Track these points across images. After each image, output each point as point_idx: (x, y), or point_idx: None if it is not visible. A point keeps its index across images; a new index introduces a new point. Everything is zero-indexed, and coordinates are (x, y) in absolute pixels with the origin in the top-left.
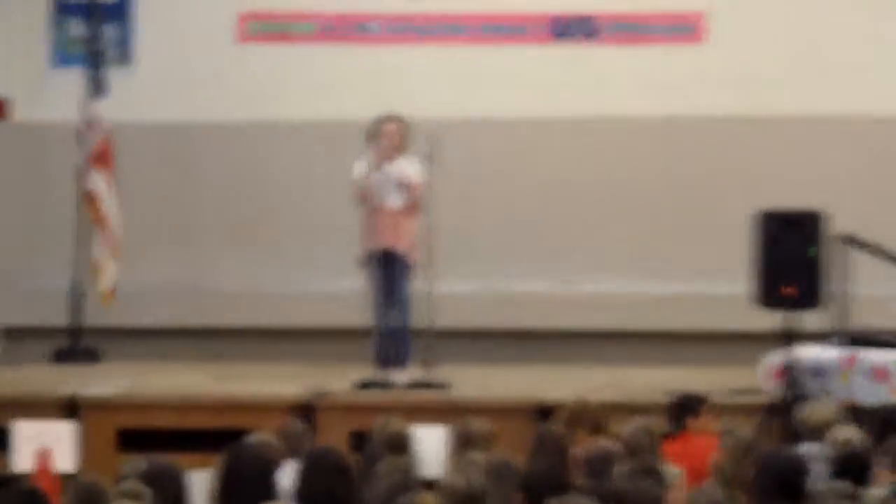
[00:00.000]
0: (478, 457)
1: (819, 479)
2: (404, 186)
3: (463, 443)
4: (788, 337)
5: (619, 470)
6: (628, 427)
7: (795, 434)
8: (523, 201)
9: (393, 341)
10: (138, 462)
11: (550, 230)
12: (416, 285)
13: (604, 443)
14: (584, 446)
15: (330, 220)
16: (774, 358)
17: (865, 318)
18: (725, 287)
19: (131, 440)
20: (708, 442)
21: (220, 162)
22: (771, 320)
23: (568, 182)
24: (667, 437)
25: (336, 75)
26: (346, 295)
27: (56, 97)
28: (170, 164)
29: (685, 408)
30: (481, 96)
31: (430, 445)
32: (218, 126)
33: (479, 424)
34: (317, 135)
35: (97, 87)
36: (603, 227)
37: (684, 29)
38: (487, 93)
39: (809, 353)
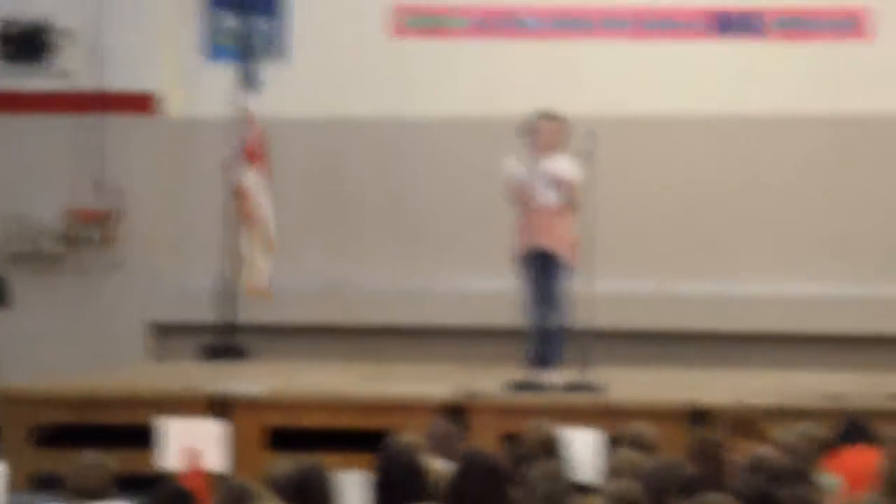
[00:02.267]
0: (639, 459)
1: None
2: (560, 184)
3: (626, 445)
4: None
5: (776, 476)
6: (788, 433)
7: None
8: (684, 201)
9: (547, 342)
10: (286, 462)
11: (713, 230)
12: (574, 285)
13: (763, 449)
14: (742, 452)
15: (483, 217)
16: None
17: None
18: (892, 289)
19: (280, 440)
20: (872, 452)
21: (372, 158)
22: None
23: (730, 181)
24: (829, 446)
25: (491, 71)
26: (498, 294)
27: (208, 92)
28: (322, 160)
29: (851, 436)
30: (641, 94)
31: (583, 449)
32: (371, 122)
33: (643, 427)
34: (470, 131)
35: (250, 82)
36: (767, 227)
37: (850, 24)
38: (648, 90)
39: None
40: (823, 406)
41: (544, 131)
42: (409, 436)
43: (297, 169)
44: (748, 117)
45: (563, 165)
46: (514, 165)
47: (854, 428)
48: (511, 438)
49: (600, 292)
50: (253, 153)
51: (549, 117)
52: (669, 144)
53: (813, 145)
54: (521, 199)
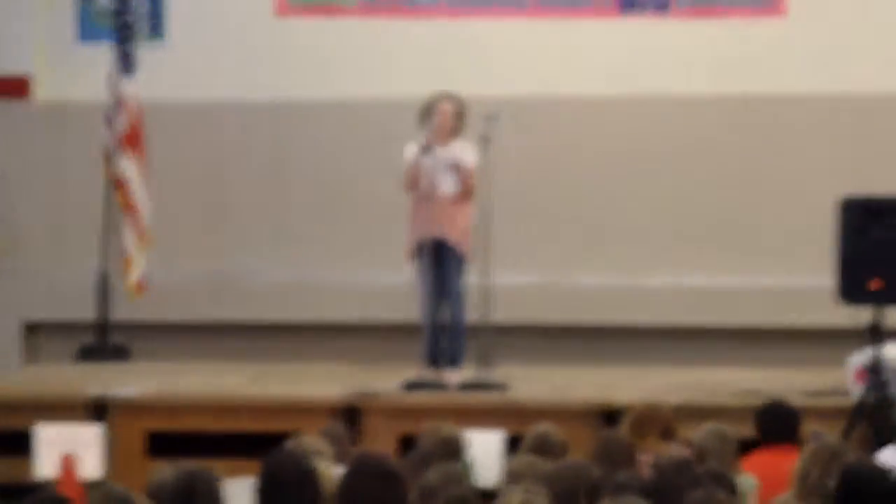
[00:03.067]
0: (541, 462)
1: None
2: (458, 171)
3: (531, 449)
4: (875, 334)
5: (689, 478)
6: (700, 432)
7: (882, 440)
8: (587, 187)
9: (445, 338)
10: (168, 469)
11: (616, 218)
12: (471, 278)
13: (674, 449)
14: (652, 452)
15: (377, 207)
16: (859, 357)
17: None
18: (807, 280)
19: (162, 445)
20: (789, 451)
21: (258, 145)
22: (857, 316)
23: (635, 167)
24: (746, 444)
25: (383, 52)
26: (393, 288)
27: (82, 74)
28: (204, 147)
29: (777, 421)
30: (542, 74)
31: (486, 451)
32: (256, 106)
33: (549, 428)
34: (362, 115)
35: (126, 64)
36: (674, 214)
37: (762, 1)
38: (549, 70)
39: None
40: (738, 403)
41: (442, 114)
42: (302, 439)
43: (177, 156)
44: (653, 98)
45: (461, 151)
46: (410, 151)
47: (776, 424)
48: (408, 441)
49: (499, 285)
50: (130, 140)
51: (446, 99)
52: (571, 128)
53: (719, 127)
54: (418, 186)
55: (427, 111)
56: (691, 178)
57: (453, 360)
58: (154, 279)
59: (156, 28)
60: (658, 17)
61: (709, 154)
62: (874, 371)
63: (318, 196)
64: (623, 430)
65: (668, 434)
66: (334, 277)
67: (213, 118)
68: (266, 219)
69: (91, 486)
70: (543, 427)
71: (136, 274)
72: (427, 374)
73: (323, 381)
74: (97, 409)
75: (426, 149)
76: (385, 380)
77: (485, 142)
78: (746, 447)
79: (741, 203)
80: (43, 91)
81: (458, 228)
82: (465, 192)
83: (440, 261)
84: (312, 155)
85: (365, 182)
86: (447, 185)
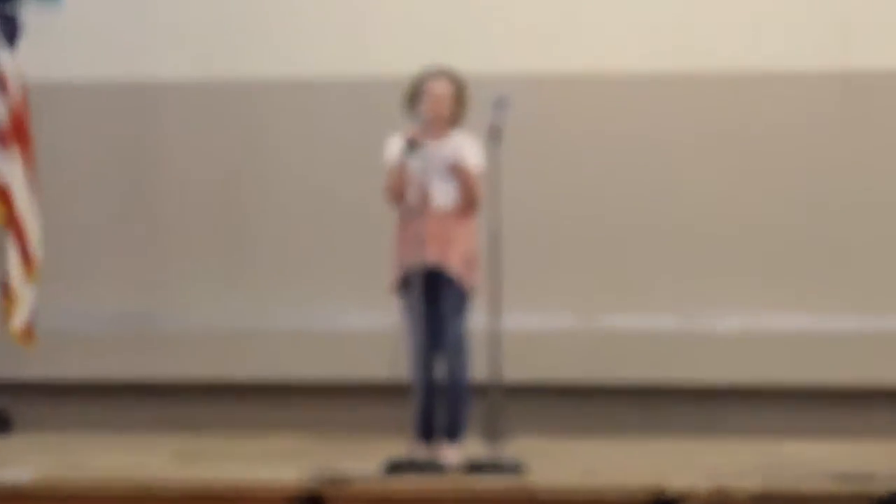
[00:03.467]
0: None
1: None
2: (457, 175)
3: None
4: None
5: None
6: None
7: None
8: (628, 194)
9: (440, 402)
10: None
11: (667, 236)
12: (475, 320)
13: None
14: None
15: (346, 225)
16: None
17: None
18: None
19: None
20: None
21: (189, 138)
22: None
23: (694, 163)
24: None
25: (357, 16)
26: (371, 335)
27: None
28: (115, 140)
29: None
30: (564, 45)
31: None
32: (185, 87)
33: None
34: (331, 100)
35: (8, 33)
36: (748, 230)
37: None
38: (573, 41)
39: None
40: (839, 490)
41: (435, 99)
42: None
43: (77, 154)
44: (711, 74)
45: (462, 148)
46: (394, 149)
47: None
48: None
49: (512, 330)
50: (13, 132)
51: (441, 78)
52: (605, 114)
53: (809, 109)
54: (405, 196)
55: (414, 94)
56: (774, 178)
57: (452, 432)
58: (45, 322)
59: None
60: None
61: (796, 144)
62: None
63: (273, 208)
64: None
65: None
66: (294, 321)
67: (128, 102)
68: (201, 241)
69: None
70: None
71: (21, 315)
72: (417, 450)
73: (277, 461)
74: None
75: (414, 145)
76: (361, 459)
77: (493, 135)
78: None
79: (843, 215)
80: None
81: (458, 253)
82: (469, 204)
83: (435, 298)
84: (266, 152)
85: (336, 190)
86: (444, 195)
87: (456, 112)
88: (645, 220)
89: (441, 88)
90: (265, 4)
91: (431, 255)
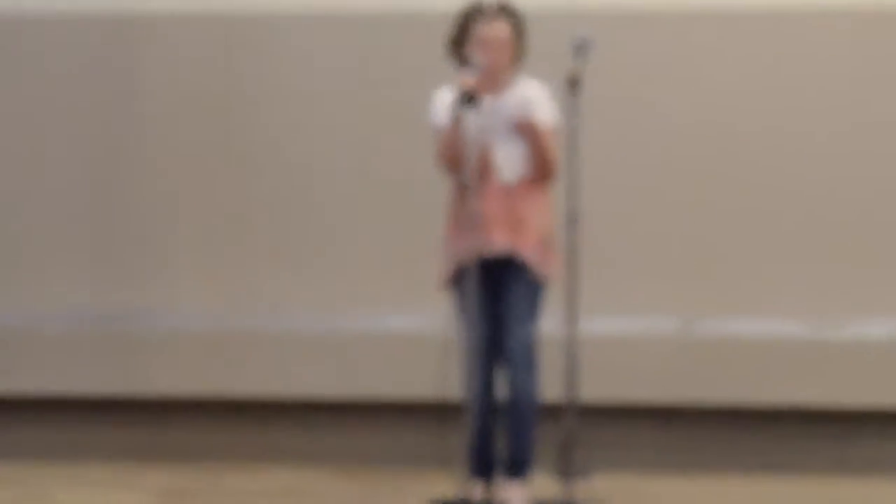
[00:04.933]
0: None
1: None
2: (527, 134)
3: None
4: None
5: None
6: None
7: None
8: (740, 171)
9: (502, 427)
10: None
11: (791, 229)
12: (548, 324)
13: None
14: None
15: (378, 203)
16: None
17: None
18: None
19: None
20: None
21: (173, 75)
22: None
23: (820, 149)
24: None
25: None
26: (410, 340)
27: None
28: (89, 94)
29: None
30: None
31: None
32: (174, 19)
33: None
34: (350, 37)
35: None
36: (885, 225)
37: None
38: None
39: None
40: None
41: (492, 40)
42: None
43: (39, 107)
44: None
45: (532, 101)
46: (445, 103)
47: None
48: None
49: (590, 338)
50: None
51: (497, 13)
52: (707, 57)
53: None
54: (461, 163)
55: (462, 33)
56: None
57: (516, 466)
58: None
59: None
60: None
61: None
62: None
63: (282, 181)
64: None
65: None
66: (308, 322)
67: (106, 35)
68: (191, 222)
69: None
70: None
71: None
72: (471, 490)
73: (293, 500)
74: None
75: (469, 99)
76: (393, 501)
77: (573, 85)
78: None
79: None
80: None
81: (531, 234)
82: (543, 171)
83: (497, 294)
84: (273, 108)
85: (362, 158)
86: (511, 161)
87: (517, 55)
88: (761, 200)
89: (498, 29)
90: None
91: (496, 239)
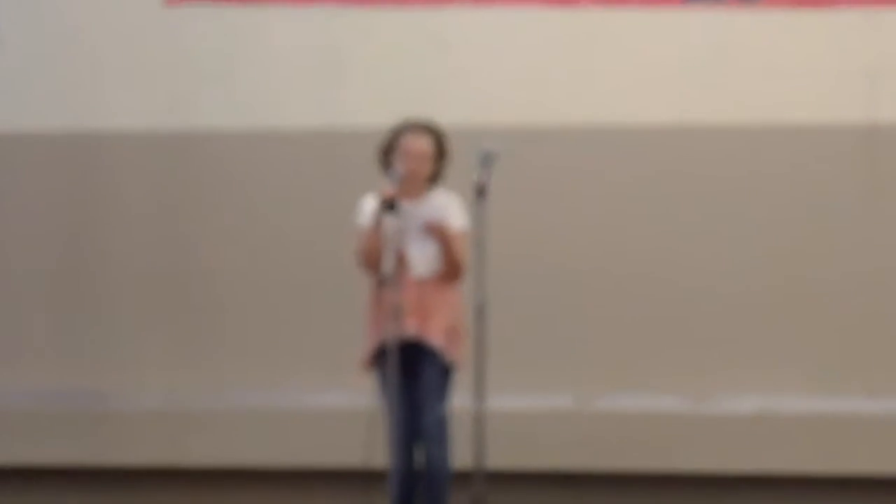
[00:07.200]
0: None
1: None
2: (439, 238)
3: None
4: None
5: None
6: None
7: None
8: (635, 257)
9: (420, 492)
10: None
11: (686, 303)
12: (458, 400)
13: None
14: None
15: (315, 293)
16: None
17: None
18: None
19: None
20: None
21: (134, 192)
22: None
23: (701, 230)
24: None
25: (319, 58)
26: (340, 416)
27: None
28: (57, 195)
29: None
30: (562, 91)
31: None
32: (131, 137)
33: None
34: (290, 153)
35: None
36: (751, 310)
37: None
38: (574, 86)
39: None
40: None
41: (414, 154)
42: None
43: (9, 203)
44: (726, 127)
45: (446, 208)
46: (369, 209)
47: None
48: None
49: (496, 412)
50: None
51: (420, 131)
52: (601, 169)
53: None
54: (381, 262)
55: (389, 148)
56: (793, 247)
57: None
58: None
59: None
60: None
61: (815, 205)
62: None
63: (237, 275)
64: None
65: None
66: (255, 400)
67: (72, 154)
68: (155, 308)
69: None
70: None
71: None
72: None
73: None
74: None
75: (390, 205)
76: None
77: (479, 194)
78: None
79: (868, 290)
80: None
81: (441, 324)
82: (452, 270)
83: (414, 374)
84: (231, 210)
85: (305, 254)
86: (424, 260)
87: (436, 168)
88: (648, 289)
89: (420, 144)
90: (231, 52)
91: (410, 327)
